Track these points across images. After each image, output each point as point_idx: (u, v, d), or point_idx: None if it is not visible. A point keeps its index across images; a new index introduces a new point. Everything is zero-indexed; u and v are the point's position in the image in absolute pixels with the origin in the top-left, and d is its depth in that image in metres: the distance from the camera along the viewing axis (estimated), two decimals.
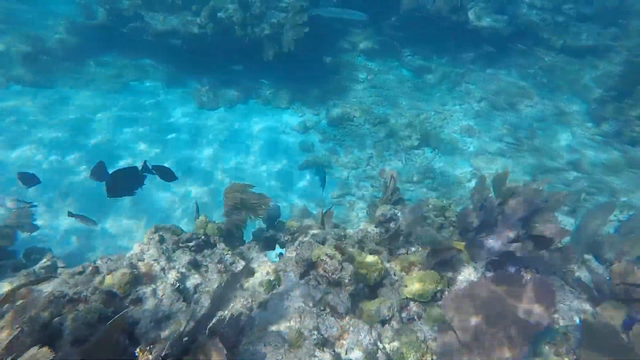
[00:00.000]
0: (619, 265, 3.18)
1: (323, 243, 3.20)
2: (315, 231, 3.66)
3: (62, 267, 3.37)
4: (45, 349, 1.99)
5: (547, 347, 2.75)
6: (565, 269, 3.27)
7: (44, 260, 3.38)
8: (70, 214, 4.55)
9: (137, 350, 2.17)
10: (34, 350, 2.03)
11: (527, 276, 3.11)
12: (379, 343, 2.70)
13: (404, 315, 3.00)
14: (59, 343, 2.40)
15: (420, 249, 3.56)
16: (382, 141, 8.18)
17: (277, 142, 8.16)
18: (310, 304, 2.82)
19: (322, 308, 2.77)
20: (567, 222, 5.78)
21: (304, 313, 2.73)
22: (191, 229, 3.84)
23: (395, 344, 2.72)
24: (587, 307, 3.05)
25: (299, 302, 2.87)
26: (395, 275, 3.24)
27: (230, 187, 3.61)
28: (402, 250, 3.59)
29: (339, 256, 2.88)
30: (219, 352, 2.01)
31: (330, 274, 2.82)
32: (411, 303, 3.04)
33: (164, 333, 2.67)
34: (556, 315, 2.96)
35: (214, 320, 2.32)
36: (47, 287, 3.02)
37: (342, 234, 3.81)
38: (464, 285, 3.07)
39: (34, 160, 7.28)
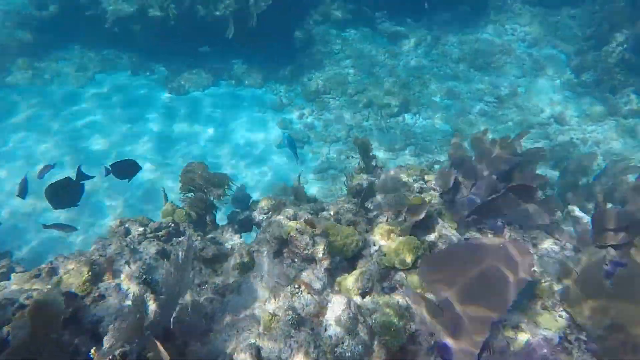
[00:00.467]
0: (598, 212, 3.08)
1: (295, 219, 3.04)
2: (289, 209, 3.49)
3: (21, 272, 3.17)
4: None
5: (533, 303, 2.65)
6: (549, 220, 3.15)
7: (1, 266, 3.18)
8: (45, 226, 4.21)
9: (92, 350, 2.01)
10: None
11: (508, 233, 2.99)
12: (359, 316, 2.57)
13: (385, 285, 2.87)
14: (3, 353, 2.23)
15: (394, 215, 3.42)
16: (360, 111, 7.97)
17: (253, 121, 7.89)
18: (285, 284, 2.67)
19: (296, 286, 2.62)
20: (552, 175, 5.68)
21: (278, 293, 2.58)
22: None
23: (377, 315, 2.59)
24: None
25: (273, 283, 2.72)
26: (375, 245, 3.09)
27: (187, 167, 3.41)
28: (382, 219, 3.44)
29: (309, 230, 2.72)
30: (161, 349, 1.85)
31: (302, 250, 2.66)
32: (392, 272, 2.92)
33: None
34: (541, 269, 2.86)
35: (176, 310, 2.16)
36: None
37: (319, 207, 3.65)
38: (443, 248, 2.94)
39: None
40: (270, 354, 2.26)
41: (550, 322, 2.55)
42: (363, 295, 2.76)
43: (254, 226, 3.94)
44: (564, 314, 2.61)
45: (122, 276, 2.77)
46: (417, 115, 7.98)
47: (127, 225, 3.46)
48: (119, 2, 8.74)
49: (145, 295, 2.71)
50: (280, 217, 3.00)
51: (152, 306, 2.45)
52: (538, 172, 3.54)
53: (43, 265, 2.89)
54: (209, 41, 8.83)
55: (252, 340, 2.31)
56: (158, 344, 1.85)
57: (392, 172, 4.01)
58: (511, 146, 3.67)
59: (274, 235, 2.83)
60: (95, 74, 9.09)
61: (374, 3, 9.95)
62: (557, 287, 2.67)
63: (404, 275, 2.82)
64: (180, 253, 2.20)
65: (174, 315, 2.34)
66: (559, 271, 2.77)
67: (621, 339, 2.31)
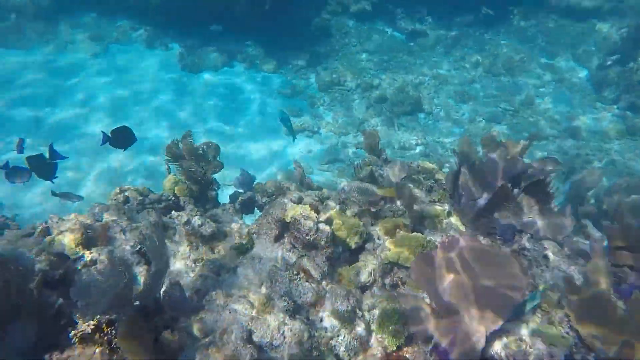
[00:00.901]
0: (614, 229, 2.95)
1: (300, 203, 2.93)
2: (294, 193, 3.38)
3: (15, 230, 3.09)
4: None
5: (538, 316, 2.53)
6: (564, 233, 3.03)
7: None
8: (53, 194, 4.17)
9: (77, 314, 1.91)
10: None
11: (522, 240, 2.87)
12: (357, 310, 2.46)
13: (387, 281, 2.76)
14: None
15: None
16: (373, 106, 7.83)
17: (265, 105, 7.77)
18: (283, 269, 2.57)
19: (295, 272, 2.52)
20: (562, 188, 5.53)
21: (275, 277, 2.47)
22: None
23: (376, 311, 2.49)
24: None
25: (271, 267, 2.61)
26: (379, 239, 2.98)
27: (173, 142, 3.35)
28: (388, 214, 3.33)
29: (314, 216, 2.60)
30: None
31: (304, 235, 2.55)
32: (395, 268, 2.80)
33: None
34: (551, 282, 2.74)
35: (165, 284, 2.06)
36: None
37: (324, 196, 3.54)
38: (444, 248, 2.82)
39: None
40: (262, 339, 2.16)
41: (557, 339, 2.43)
42: (363, 289, 2.65)
43: (255, 208, 3.84)
44: (571, 332, 2.49)
45: (117, 244, 2.68)
46: (430, 116, 7.83)
47: (126, 194, 3.36)
48: None
49: (138, 267, 2.62)
50: (284, 200, 2.89)
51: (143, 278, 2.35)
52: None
53: (37, 224, 2.80)
54: (224, 20, 8.69)
55: (244, 323, 2.21)
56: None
57: (397, 167, 3.89)
58: (523, 149, 3.55)
59: (276, 217, 2.72)
60: (109, 44, 8.98)
61: None
62: (565, 302, 2.55)
63: (408, 273, 2.70)
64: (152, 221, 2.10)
65: (164, 288, 2.24)
66: (569, 287, 2.65)
67: None
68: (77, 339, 1.94)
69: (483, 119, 7.74)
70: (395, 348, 2.33)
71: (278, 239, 2.84)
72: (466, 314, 2.28)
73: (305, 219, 2.57)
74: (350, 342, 2.28)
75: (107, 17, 9.25)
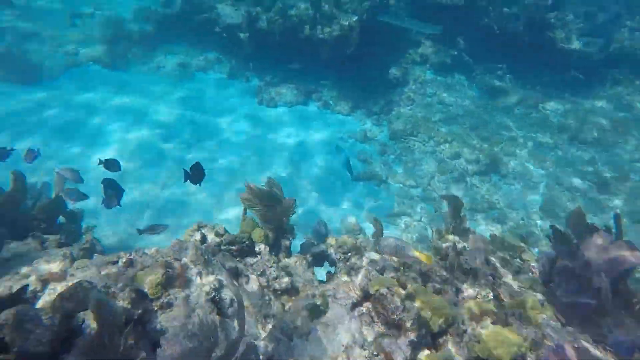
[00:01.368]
0: None
1: (382, 272, 2.74)
2: (373, 255, 3.21)
3: (99, 253, 3.15)
4: None
5: None
6: None
7: (84, 240, 3.18)
8: (139, 232, 4.08)
9: None
10: None
11: None
12: None
13: None
14: (77, 341, 2.11)
15: (489, 292, 3.01)
16: (445, 162, 7.57)
17: (333, 150, 7.77)
18: (361, 345, 2.37)
19: (375, 353, 2.31)
20: None
21: (353, 354, 2.28)
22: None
23: None
24: None
25: (348, 339, 2.43)
26: (464, 324, 2.71)
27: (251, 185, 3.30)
28: (470, 292, 3.05)
29: (401, 293, 2.41)
30: None
31: (389, 313, 2.35)
32: None
33: (190, 346, 2.33)
34: None
35: (241, 349, 1.94)
36: (78, 274, 2.80)
37: (402, 262, 3.34)
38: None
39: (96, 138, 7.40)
40: None
41: None
42: None
43: (325, 262, 3.70)
44: None
45: (193, 288, 2.62)
46: (505, 179, 7.43)
47: (204, 231, 3.36)
48: (231, 10, 9.18)
49: (211, 316, 2.53)
50: (366, 266, 2.72)
51: (220, 333, 2.25)
52: None
53: (122, 254, 2.83)
54: (304, 59, 8.97)
55: None
56: None
57: (480, 241, 3.60)
58: (628, 247, 3.14)
59: (360, 285, 2.56)
60: (194, 72, 9.55)
61: (475, 53, 9.62)
62: None
63: None
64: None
65: (241, 350, 2.13)
66: None
67: None
68: None
69: (565, 189, 7.20)
70: None
71: (355, 307, 2.67)
72: None
73: (392, 295, 2.38)
74: None
75: (196, 47, 9.91)
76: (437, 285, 2.96)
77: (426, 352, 2.49)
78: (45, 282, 2.65)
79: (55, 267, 2.76)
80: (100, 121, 7.70)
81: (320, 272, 3.57)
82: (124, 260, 2.75)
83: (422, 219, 6.57)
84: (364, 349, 2.33)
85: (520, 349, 2.41)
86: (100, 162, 3.93)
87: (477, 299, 2.95)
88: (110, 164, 3.91)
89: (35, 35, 9.44)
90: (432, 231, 3.86)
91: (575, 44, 8.92)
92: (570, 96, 9.15)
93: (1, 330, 1.84)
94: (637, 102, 8.80)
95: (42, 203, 3.52)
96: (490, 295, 2.97)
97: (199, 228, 3.37)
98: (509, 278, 3.24)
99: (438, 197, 6.92)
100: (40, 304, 2.44)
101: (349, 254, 3.43)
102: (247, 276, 3.03)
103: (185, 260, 2.83)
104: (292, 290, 2.97)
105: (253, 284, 2.94)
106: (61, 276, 2.73)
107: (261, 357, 2.26)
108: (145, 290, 2.49)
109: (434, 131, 8.10)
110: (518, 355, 2.40)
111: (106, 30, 9.42)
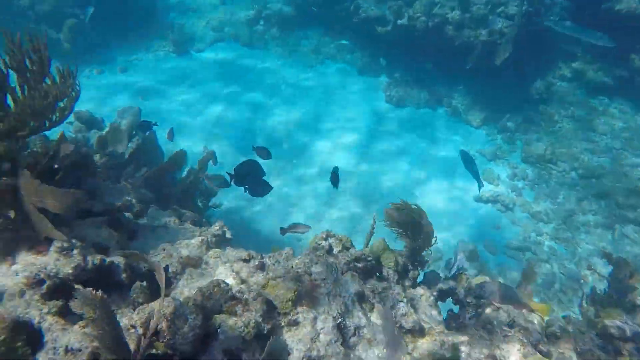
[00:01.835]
0: None
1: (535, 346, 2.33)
2: (512, 312, 2.79)
3: (228, 243, 3.21)
4: None
5: None
6: None
7: (216, 226, 3.26)
8: (283, 231, 3.91)
9: None
10: None
11: None
12: None
13: None
14: (211, 346, 2.11)
15: None
16: (589, 200, 6.54)
17: (457, 164, 7.20)
18: None
19: None
20: None
21: None
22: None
23: None
24: None
25: None
26: None
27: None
28: None
29: None
30: None
31: None
32: None
33: None
34: None
35: None
36: (211, 263, 2.86)
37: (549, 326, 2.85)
38: None
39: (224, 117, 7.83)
40: None
41: None
42: None
43: (450, 299, 3.35)
44: None
45: (320, 310, 2.50)
46: None
47: (330, 241, 3.23)
48: (374, 3, 8.90)
49: (336, 345, 2.39)
50: (517, 334, 2.33)
51: None
52: None
53: (254, 254, 2.83)
54: (438, 61, 8.40)
55: None
56: None
57: None
58: None
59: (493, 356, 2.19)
60: (324, 59, 9.57)
61: None
62: None
63: None
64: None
65: None
66: None
67: None
68: None
69: None
70: None
71: None
72: None
73: None
74: None
75: (331, 35, 9.88)
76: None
77: None
78: (184, 265, 2.74)
79: (193, 251, 2.85)
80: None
81: (444, 310, 3.25)
82: (256, 262, 2.73)
83: (550, 259, 5.77)
84: None
85: None
86: (253, 148, 4.03)
87: None
88: (262, 152, 3.98)
89: (194, 11, 10.33)
90: (582, 299, 3.27)
91: None
92: None
93: (161, 321, 1.88)
94: None
95: (185, 182, 3.73)
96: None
97: (327, 237, 3.24)
98: None
99: (572, 238, 6.03)
100: (178, 292, 2.51)
101: (482, 301, 3.04)
102: (372, 303, 2.83)
103: (315, 275, 2.71)
104: (418, 330, 2.70)
105: (377, 315, 2.73)
106: (197, 263, 2.80)
107: None
108: (276, 303, 2.42)
109: (579, 162, 7.04)
110: None
111: (247, 13, 9.89)
